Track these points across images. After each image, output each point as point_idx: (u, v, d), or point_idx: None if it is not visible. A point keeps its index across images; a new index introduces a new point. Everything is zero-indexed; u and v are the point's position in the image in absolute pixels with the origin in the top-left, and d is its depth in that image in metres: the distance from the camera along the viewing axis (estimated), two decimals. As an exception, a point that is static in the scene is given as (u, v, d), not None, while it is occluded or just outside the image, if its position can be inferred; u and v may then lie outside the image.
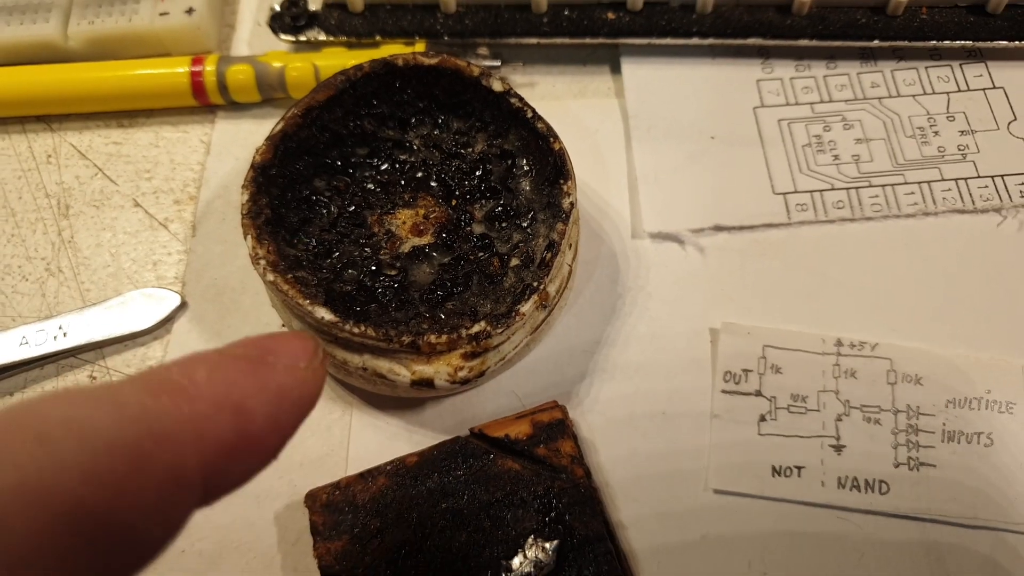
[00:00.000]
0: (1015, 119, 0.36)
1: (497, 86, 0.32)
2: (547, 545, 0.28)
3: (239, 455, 0.16)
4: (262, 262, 0.30)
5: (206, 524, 0.31)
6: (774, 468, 0.31)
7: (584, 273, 0.35)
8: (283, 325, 0.32)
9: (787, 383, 0.32)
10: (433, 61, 0.33)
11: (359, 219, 0.33)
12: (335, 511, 0.29)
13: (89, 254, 0.36)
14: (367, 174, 0.34)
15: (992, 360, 0.32)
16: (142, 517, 0.14)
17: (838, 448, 0.31)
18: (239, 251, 0.35)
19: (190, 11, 0.38)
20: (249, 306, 0.35)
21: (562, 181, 0.31)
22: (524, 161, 0.33)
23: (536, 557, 0.28)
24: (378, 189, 0.34)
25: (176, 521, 0.15)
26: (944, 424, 0.31)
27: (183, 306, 0.35)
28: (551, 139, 0.32)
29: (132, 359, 0.34)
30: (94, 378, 0.34)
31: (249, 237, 0.30)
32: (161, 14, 0.38)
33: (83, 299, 0.35)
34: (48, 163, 0.38)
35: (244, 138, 0.38)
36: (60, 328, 0.34)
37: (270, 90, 0.38)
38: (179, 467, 0.15)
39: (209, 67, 0.37)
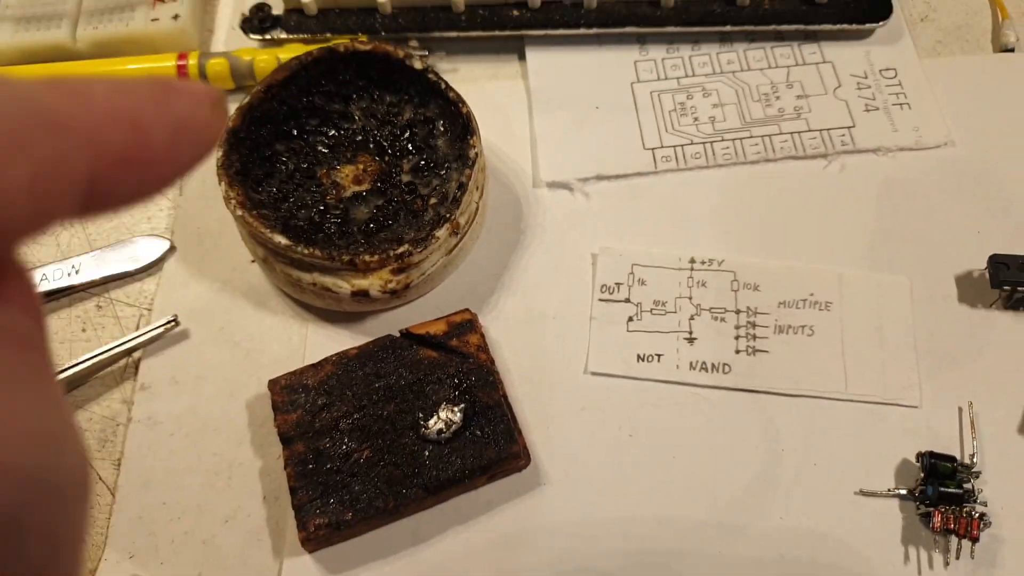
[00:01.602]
0: (840, 85, 0.45)
1: (418, 65, 0.41)
2: (455, 409, 0.36)
3: (131, 168, 0.15)
4: (232, 202, 0.38)
5: (192, 413, 0.39)
6: (639, 356, 0.39)
7: (493, 214, 0.43)
8: (252, 261, 0.41)
9: (651, 293, 0.40)
10: (367, 47, 0.42)
11: (311, 173, 0.42)
12: (291, 391, 0.37)
13: (95, 212, 0.44)
14: (318, 139, 0.43)
15: (815, 269, 0.41)
16: (8, 198, 0.13)
17: (691, 340, 0.39)
18: (218, 204, 0.44)
19: (176, 17, 0.47)
20: (226, 247, 0.43)
21: (469, 136, 0.40)
22: (441, 124, 0.42)
23: (447, 418, 0.36)
24: (326, 150, 0.42)
25: (45, 217, 0.14)
26: (776, 320, 0.40)
27: (172, 249, 0.43)
28: (460, 104, 0.40)
29: (131, 292, 0.42)
30: (100, 307, 0.42)
31: (223, 183, 0.39)
32: (153, 20, 0.47)
33: (90, 245, 0.43)
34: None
35: (221, 119, 0.47)
36: (73, 267, 0.42)
37: (242, 79, 0.46)
38: (63, 160, 0.14)
39: (192, 61, 0.46)
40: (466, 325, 0.39)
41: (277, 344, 0.41)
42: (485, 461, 0.35)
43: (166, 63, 0.46)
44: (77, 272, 0.42)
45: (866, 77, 0.45)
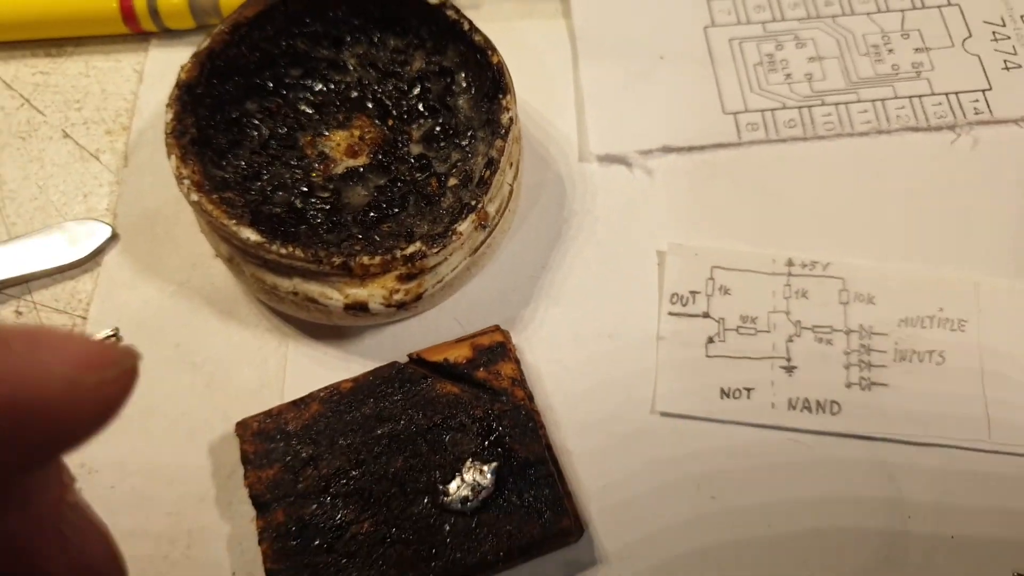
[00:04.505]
0: (970, 36, 0.35)
1: (432, -1, 0.31)
2: (485, 468, 0.27)
3: None
4: (186, 182, 0.29)
5: (138, 459, 0.30)
6: (722, 390, 0.30)
7: (530, 197, 0.33)
8: (215, 255, 0.31)
9: (736, 304, 0.31)
10: (365, -26, 0.31)
11: (291, 141, 0.32)
12: (266, 439, 0.28)
13: (15, 187, 0.34)
14: (301, 95, 0.33)
15: (945, 277, 0.31)
16: None
17: (789, 369, 0.30)
18: (173, 180, 0.34)
19: (117, -67, 0.36)
20: (182, 236, 0.33)
21: (501, 96, 0.30)
22: (462, 77, 0.32)
23: (474, 480, 0.27)
24: (312, 111, 0.32)
25: None
26: (896, 343, 0.31)
27: (114, 238, 0.33)
28: (489, 52, 0.30)
29: (61, 293, 0.33)
30: (20, 313, 0.32)
31: (173, 156, 0.29)
32: (86, -64, 0.36)
33: (8, 233, 0.33)
34: (-30, 93, 0.36)
35: (178, 66, 0.37)
36: (-17, 261, 0.32)
37: (204, 15, 0.36)
38: None
39: (138, -9, 0.36)
40: (497, 350, 0.29)
41: (249, 368, 0.31)
42: (525, 540, 0.27)
43: (105, -6, 0.36)
44: (-12, 268, 0.32)
45: (1004, 25, 0.35)
